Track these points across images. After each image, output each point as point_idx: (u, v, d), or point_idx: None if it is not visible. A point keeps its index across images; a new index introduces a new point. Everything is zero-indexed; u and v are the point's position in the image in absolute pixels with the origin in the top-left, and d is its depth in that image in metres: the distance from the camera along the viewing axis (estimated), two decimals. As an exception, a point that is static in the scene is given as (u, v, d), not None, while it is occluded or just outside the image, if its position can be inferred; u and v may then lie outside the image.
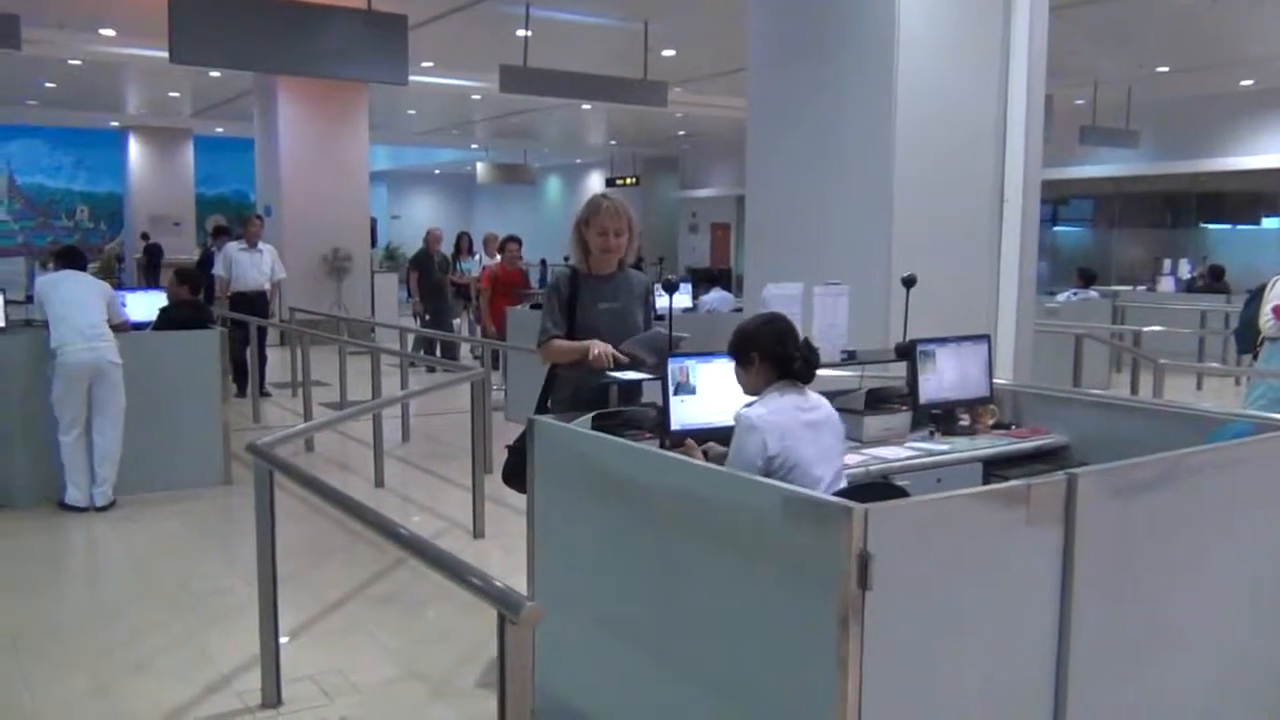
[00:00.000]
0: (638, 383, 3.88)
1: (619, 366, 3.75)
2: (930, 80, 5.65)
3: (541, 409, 3.92)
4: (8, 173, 23.85)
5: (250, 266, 10.38)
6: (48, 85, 17.29)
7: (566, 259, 4.47)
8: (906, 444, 3.71)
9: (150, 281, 16.02)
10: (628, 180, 25.80)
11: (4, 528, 5.93)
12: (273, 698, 3.69)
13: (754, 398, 3.09)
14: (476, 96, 17.15)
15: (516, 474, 3.89)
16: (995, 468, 3.59)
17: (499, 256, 11.47)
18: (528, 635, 2.20)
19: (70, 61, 14.42)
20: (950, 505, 2.44)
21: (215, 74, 14.73)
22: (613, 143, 25.32)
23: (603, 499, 3.15)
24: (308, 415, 8.46)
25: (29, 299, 7.04)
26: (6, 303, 6.86)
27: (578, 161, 29.33)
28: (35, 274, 11.87)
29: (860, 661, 2.22)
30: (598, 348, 3.74)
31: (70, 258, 6.54)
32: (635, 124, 20.76)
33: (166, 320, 7.13)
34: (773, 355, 3.03)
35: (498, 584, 2.31)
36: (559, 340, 3.90)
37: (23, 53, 10.37)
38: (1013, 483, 2.53)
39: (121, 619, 4.64)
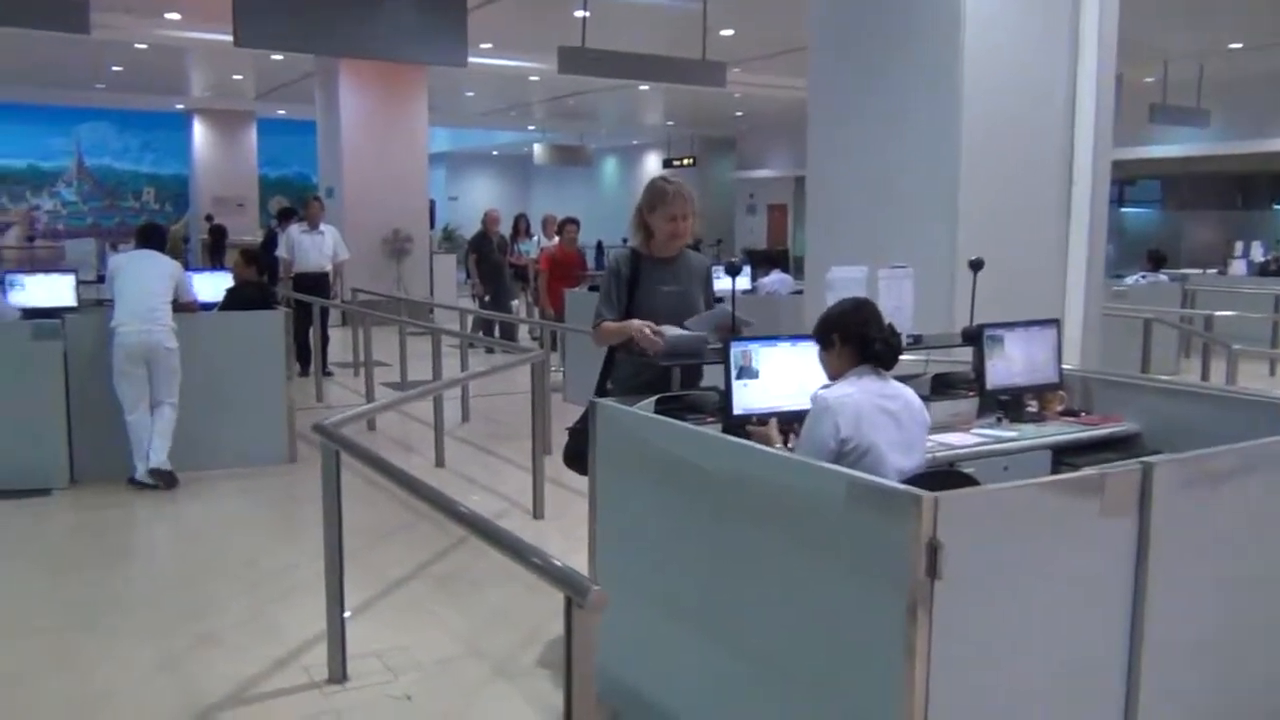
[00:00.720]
0: (698, 364, 3.88)
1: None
2: (997, 59, 5.53)
3: (601, 390, 3.93)
4: (77, 155, 24.37)
5: (312, 248, 10.51)
6: (115, 69, 17.62)
7: (625, 241, 4.47)
8: (973, 430, 3.66)
9: (215, 262, 16.26)
10: (685, 161, 25.69)
11: (76, 503, 6.08)
12: (338, 673, 3.75)
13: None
14: (535, 78, 17.17)
15: (577, 456, 3.91)
16: (1064, 456, 3.52)
17: (557, 238, 11.49)
18: (595, 619, 2.20)
19: (137, 45, 14.68)
20: (1022, 494, 2.40)
21: (278, 57, 14.91)
22: (670, 124, 25.22)
23: (665, 483, 3.14)
24: (369, 395, 8.56)
25: (100, 279, 7.19)
26: (79, 283, 7.03)
27: (634, 143, 29.27)
28: (106, 255, 12.11)
29: (929, 651, 2.20)
30: (635, 329, 3.73)
31: (148, 236, 6.63)
32: (693, 105, 20.66)
33: (233, 300, 7.24)
34: (854, 338, 3.00)
35: (566, 568, 2.31)
36: (608, 323, 3.90)
37: (91, 37, 10.58)
38: (1086, 472, 2.48)
39: (190, 593, 4.74)
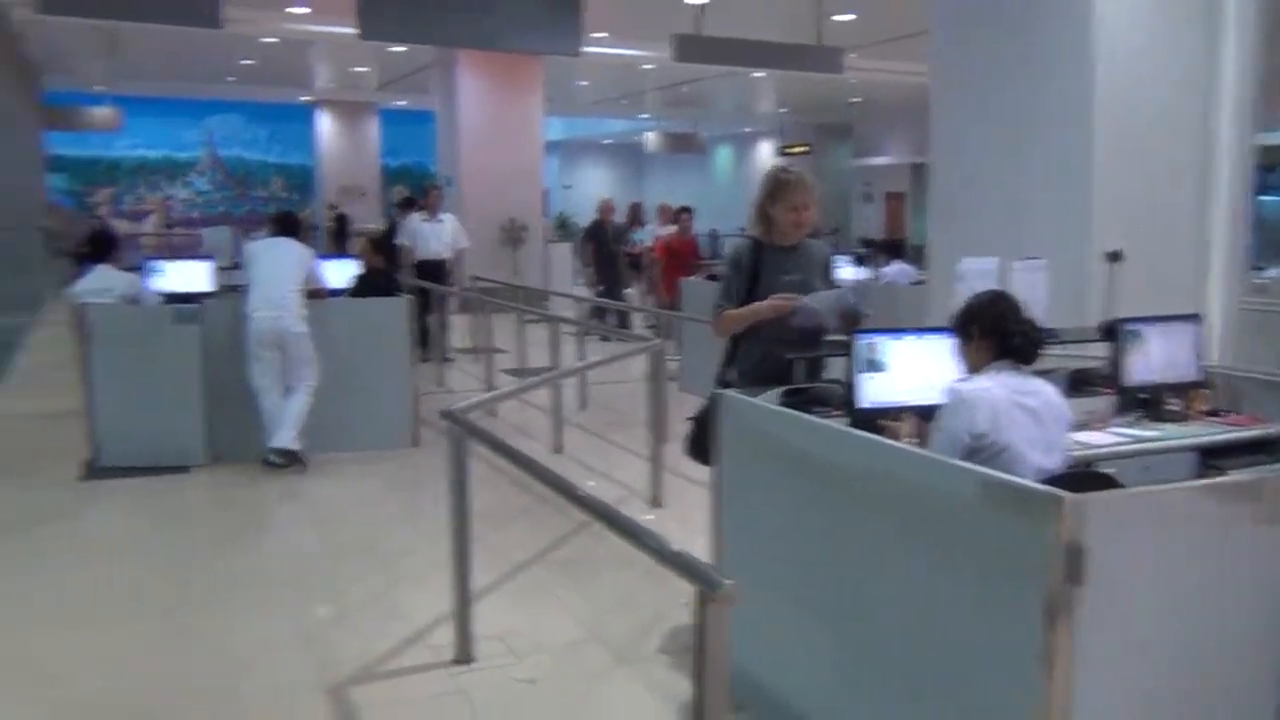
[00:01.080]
0: (821, 356, 3.86)
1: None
2: (1132, 40, 5.34)
3: (723, 381, 3.93)
4: (209, 145, 25.37)
5: (432, 236, 10.74)
6: (245, 62, 18.25)
7: (742, 230, 4.47)
8: (1110, 429, 3.54)
9: (338, 249, 16.76)
10: (800, 149, 25.38)
11: (213, 481, 6.35)
12: (464, 654, 3.83)
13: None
14: (648, 66, 17.19)
15: (699, 446, 3.93)
16: (1210, 458, 3.37)
17: (673, 227, 11.50)
18: (726, 613, 2.20)
19: (265, 40, 15.18)
20: (1171, 498, 2.31)
21: (399, 49, 15.25)
22: (784, 110, 24.96)
23: (790, 476, 3.12)
24: (489, 381, 8.72)
25: (235, 265, 7.46)
26: (219, 269, 7.33)
27: (748, 130, 29.07)
28: (240, 242, 12.59)
29: (1069, 660, 2.14)
30: (765, 306, 3.79)
31: (283, 224, 6.84)
32: (807, 91, 20.42)
33: (362, 287, 7.44)
34: (993, 331, 2.93)
35: (698, 560, 2.32)
36: (731, 311, 3.91)
37: (223, 31, 10.98)
38: (1240, 476, 2.38)
39: (320, 571, 4.92)
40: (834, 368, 3.80)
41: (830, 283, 4.09)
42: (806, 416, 3.15)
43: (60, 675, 3.81)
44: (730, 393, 3.46)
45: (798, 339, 3.86)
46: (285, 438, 6.43)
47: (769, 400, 3.37)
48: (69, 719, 3.50)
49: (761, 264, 3.96)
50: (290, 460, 6.42)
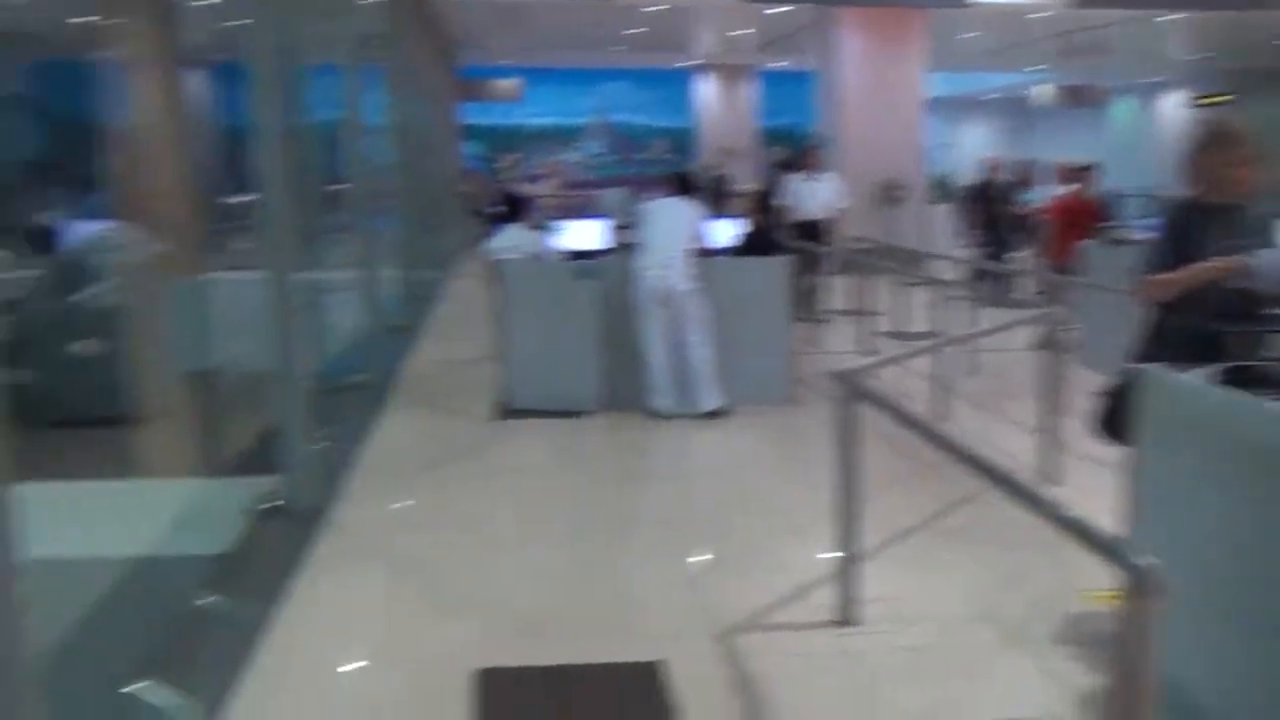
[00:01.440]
0: (1264, 331, 3.46)
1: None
2: None
3: (1143, 355, 3.62)
4: (599, 111, 26.93)
5: (809, 196, 10.73)
6: (632, 31, 19.10)
7: (1153, 189, 4.11)
8: None
9: (716, 209, 17.19)
10: (1221, 99, 22.73)
11: (606, 426, 6.76)
12: (849, 616, 3.82)
13: None
14: (1044, 13, 16.08)
15: (1111, 424, 3.66)
16: None
17: (1072, 185, 10.68)
18: (1159, 609, 2.02)
19: (653, 9, 15.74)
20: None
21: (779, 9, 15.29)
22: (1197, 56, 22.44)
23: (1231, 465, 2.81)
24: (864, 343, 8.62)
25: (629, 225, 7.85)
26: (618, 228, 7.77)
27: (1151, 80, 26.46)
28: (631, 202, 13.27)
29: None
30: (1204, 268, 3.46)
31: (678, 184, 7.08)
32: (1228, 33, 18.21)
33: (749, 246, 7.59)
34: None
35: (1126, 544, 2.16)
36: (1164, 275, 3.59)
37: (616, 3, 11.55)
38: None
39: (705, 517, 5.12)
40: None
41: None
42: (1259, 400, 2.82)
43: (481, 594, 4.23)
44: (1155, 368, 3.18)
45: (1234, 309, 3.48)
46: (709, 400, 6.76)
47: (1203, 378, 3.06)
48: (494, 635, 3.86)
49: (1193, 226, 3.62)
50: (717, 417, 6.73)
